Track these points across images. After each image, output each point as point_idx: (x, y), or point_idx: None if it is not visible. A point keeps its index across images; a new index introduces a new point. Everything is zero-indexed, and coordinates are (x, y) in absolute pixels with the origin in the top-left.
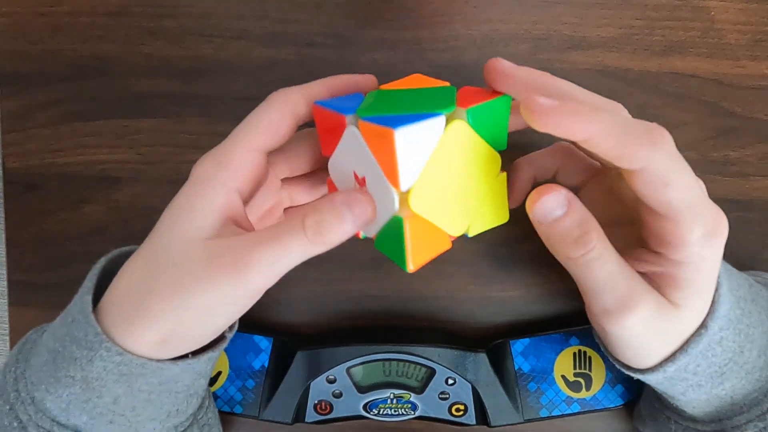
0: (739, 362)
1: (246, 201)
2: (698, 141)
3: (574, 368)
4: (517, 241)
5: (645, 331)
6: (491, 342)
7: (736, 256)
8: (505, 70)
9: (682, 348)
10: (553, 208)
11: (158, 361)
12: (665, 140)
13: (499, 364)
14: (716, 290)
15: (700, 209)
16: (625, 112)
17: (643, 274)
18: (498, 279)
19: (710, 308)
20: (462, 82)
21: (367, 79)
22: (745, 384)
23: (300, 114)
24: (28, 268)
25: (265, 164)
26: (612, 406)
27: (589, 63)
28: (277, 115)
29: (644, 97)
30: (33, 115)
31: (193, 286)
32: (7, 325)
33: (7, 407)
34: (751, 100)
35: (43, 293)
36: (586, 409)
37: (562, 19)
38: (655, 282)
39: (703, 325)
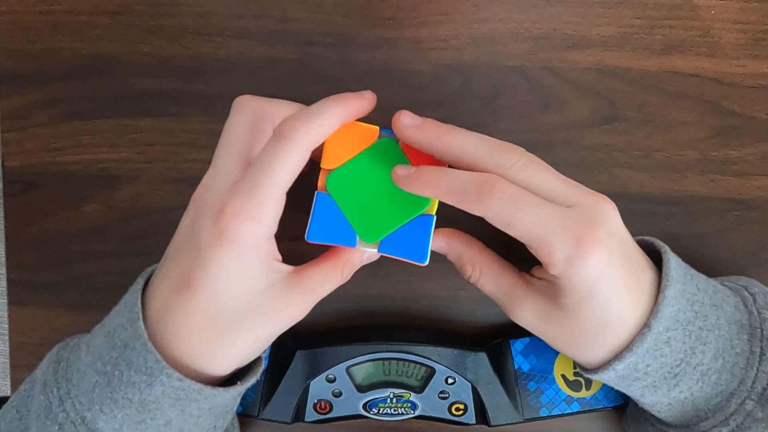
0: (691, 363)
1: None
2: (698, 140)
3: (574, 367)
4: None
5: (542, 327)
6: (491, 341)
7: (736, 255)
8: (406, 131)
9: (628, 347)
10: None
11: (212, 387)
12: (494, 192)
13: (499, 363)
14: (661, 292)
15: (556, 235)
16: (517, 156)
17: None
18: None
19: (653, 309)
20: (462, 82)
21: (366, 100)
22: (702, 387)
23: (316, 148)
24: (27, 267)
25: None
26: (612, 405)
27: (589, 62)
28: (301, 158)
29: (644, 97)
30: (32, 114)
31: (268, 330)
32: (6, 325)
33: (56, 427)
34: (751, 99)
35: (42, 292)
36: (585, 409)
37: (562, 18)
38: (550, 287)
39: (646, 325)
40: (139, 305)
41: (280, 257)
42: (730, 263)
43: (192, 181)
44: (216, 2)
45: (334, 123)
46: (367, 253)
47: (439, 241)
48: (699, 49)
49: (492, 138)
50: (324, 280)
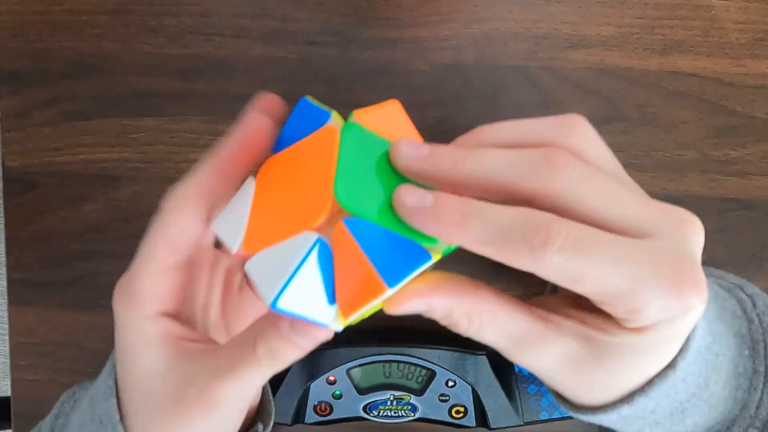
0: (702, 396)
1: (184, 297)
2: (699, 140)
3: None
4: None
5: (561, 375)
6: None
7: (736, 255)
8: (410, 165)
9: (642, 388)
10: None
11: None
12: (550, 240)
13: (500, 366)
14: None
15: (646, 287)
16: (571, 168)
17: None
18: (498, 279)
19: (683, 345)
20: (462, 82)
21: (256, 140)
22: (708, 419)
23: (202, 215)
24: (27, 266)
25: (184, 271)
26: None
27: (590, 62)
28: (175, 230)
29: (644, 96)
30: (32, 114)
31: (171, 424)
32: (7, 325)
33: None
34: (752, 99)
35: (42, 292)
36: None
37: (563, 18)
38: (590, 330)
39: (672, 366)
40: (114, 377)
41: (198, 334)
42: (730, 263)
43: None
44: (216, 2)
45: (209, 178)
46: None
47: (415, 301)
48: (699, 48)
49: (529, 137)
50: (235, 360)
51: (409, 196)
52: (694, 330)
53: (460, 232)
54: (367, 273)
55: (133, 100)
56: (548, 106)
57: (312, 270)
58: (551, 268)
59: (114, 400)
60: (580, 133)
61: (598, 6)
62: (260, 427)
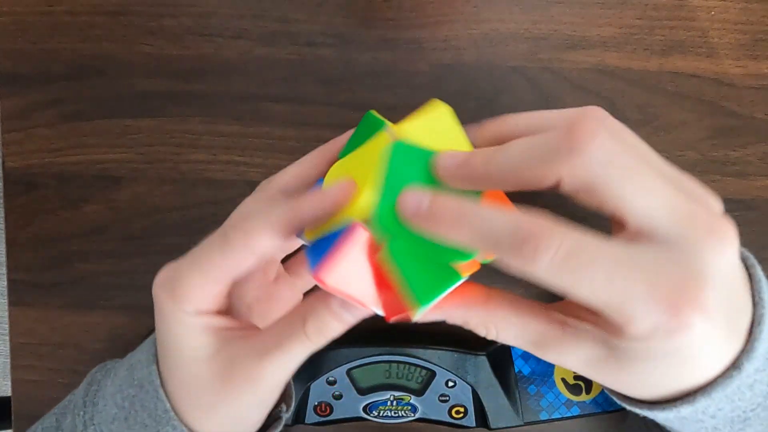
0: None
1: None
2: (698, 140)
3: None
4: None
5: (592, 373)
6: (491, 344)
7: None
8: (451, 173)
9: (704, 389)
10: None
11: None
12: (539, 250)
13: (500, 366)
14: (757, 324)
15: (636, 304)
16: (596, 145)
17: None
18: (498, 280)
19: (745, 346)
20: (462, 82)
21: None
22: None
23: (273, 237)
24: (28, 267)
25: (236, 281)
26: (612, 409)
27: (589, 62)
28: (240, 255)
29: (644, 97)
30: (33, 115)
31: (218, 404)
32: (7, 325)
33: None
34: (752, 99)
35: (43, 293)
36: (586, 413)
37: (562, 19)
38: (603, 333)
39: (736, 366)
40: (154, 351)
41: (243, 322)
42: None
43: (193, 182)
44: (217, 3)
45: (286, 213)
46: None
47: (432, 314)
48: (699, 49)
49: (555, 121)
50: (282, 337)
51: (408, 200)
52: (761, 335)
53: (455, 233)
54: (402, 291)
55: (134, 100)
56: (548, 107)
57: (358, 254)
58: (542, 277)
59: (155, 367)
60: (605, 116)
61: (597, 7)
62: (284, 407)
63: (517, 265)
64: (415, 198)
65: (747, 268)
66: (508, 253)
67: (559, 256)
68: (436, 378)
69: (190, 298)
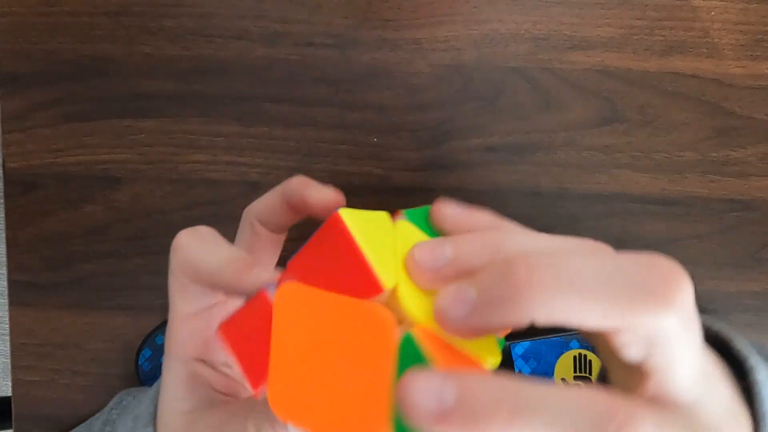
0: None
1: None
2: (698, 141)
3: (575, 371)
4: None
5: None
6: None
7: (736, 255)
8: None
9: None
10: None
11: None
12: None
13: (500, 367)
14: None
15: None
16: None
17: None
18: None
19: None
20: (462, 83)
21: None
22: None
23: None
24: (28, 268)
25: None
26: None
27: (590, 63)
28: (186, 298)
29: (644, 97)
30: (33, 115)
31: None
32: (7, 325)
33: None
34: (752, 100)
35: (43, 293)
36: None
37: (563, 19)
38: None
39: None
40: (155, 403)
41: (222, 383)
42: (730, 263)
43: (192, 182)
44: (217, 3)
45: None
46: None
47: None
48: (699, 50)
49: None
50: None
51: (419, 395)
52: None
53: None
54: None
55: (134, 101)
56: (548, 107)
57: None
58: None
59: (151, 429)
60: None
61: (598, 7)
62: None
63: None
64: (430, 392)
65: (729, 346)
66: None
67: None
68: None
69: (172, 342)
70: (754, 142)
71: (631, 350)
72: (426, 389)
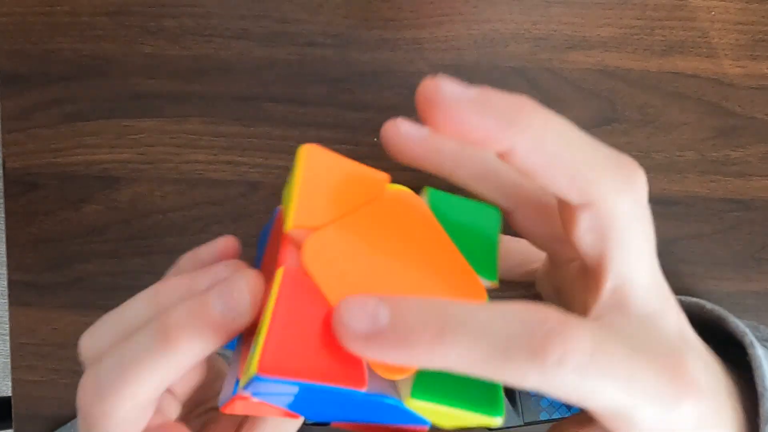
0: None
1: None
2: (698, 141)
3: None
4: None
5: None
6: None
7: (736, 255)
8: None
9: None
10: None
11: None
12: (567, 356)
13: None
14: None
15: (653, 401)
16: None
17: None
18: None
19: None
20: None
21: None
22: None
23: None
24: (28, 268)
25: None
26: None
27: (590, 63)
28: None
29: (644, 97)
30: (33, 115)
31: None
32: (7, 325)
33: None
34: (752, 99)
35: (43, 293)
36: None
37: (563, 19)
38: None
39: None
40: None
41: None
42: (730, 263)
43: (192, 182)
44: (217, 3)
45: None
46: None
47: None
48: (699, 50)
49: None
50: None
51: (355, 319)
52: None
53: (439, 357)
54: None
55: (134, 101)
56: (548, 107)
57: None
58: (561, 388)
59: None
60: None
61: (597, 7)
62: None
63: (533, 377)
64: (365, 314)
65: (722, 324)
66: (521, 364)
67: (586, 359)
68: None
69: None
70: (754, 142)
71: (587, 238)
72: (361, 310)
